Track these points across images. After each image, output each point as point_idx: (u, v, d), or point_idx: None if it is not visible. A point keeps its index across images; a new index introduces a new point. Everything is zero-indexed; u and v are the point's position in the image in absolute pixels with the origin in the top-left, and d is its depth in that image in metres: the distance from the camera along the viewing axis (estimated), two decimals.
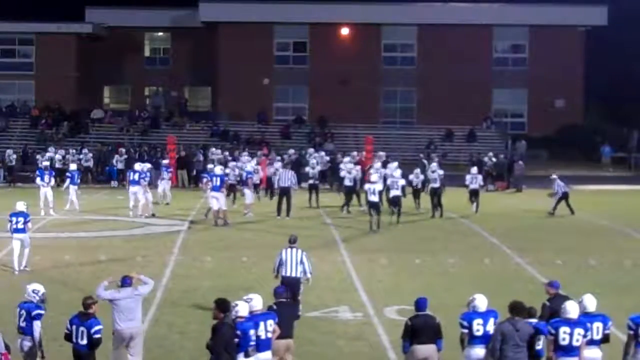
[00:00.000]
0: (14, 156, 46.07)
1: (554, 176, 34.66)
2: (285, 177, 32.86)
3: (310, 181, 35.66)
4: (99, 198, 38.91)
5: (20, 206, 23.55)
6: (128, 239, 28.01)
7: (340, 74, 59.10)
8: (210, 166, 34.67)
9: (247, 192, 33.23)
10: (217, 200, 30.47)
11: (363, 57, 59.70)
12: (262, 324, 13.16)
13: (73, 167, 36.05)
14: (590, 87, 60.45)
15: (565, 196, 33.50)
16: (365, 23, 60.08)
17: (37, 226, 29.96)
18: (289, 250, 17.63)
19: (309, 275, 17.61)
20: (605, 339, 13.19)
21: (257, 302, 13.47)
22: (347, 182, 34.15)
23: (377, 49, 60.90)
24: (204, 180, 32.20)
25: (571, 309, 12.85)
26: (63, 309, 17.82)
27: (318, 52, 60.37)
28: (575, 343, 12.68)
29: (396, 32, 61.00)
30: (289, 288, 16.90)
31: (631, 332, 12.98)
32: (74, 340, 13.21)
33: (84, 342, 13.08)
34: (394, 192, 31.11)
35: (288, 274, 17.48)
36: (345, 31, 60.68)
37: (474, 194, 34.27)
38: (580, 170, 51.29)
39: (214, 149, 44.79)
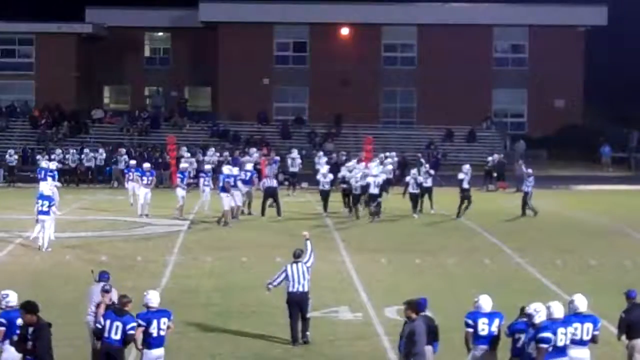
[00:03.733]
0: (15, 156, 46.01)
1: (530, 170, 34.51)
2: (272, 177, 33.22)
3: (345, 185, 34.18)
4: (99, 198, 38.89)
5: (47, 190, 25.99)
6: (128, 239, 28.01)
7: (341, 74, 59.07)
8: (207, 167, 34.81)
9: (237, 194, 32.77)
10: (221, 201, 30.63)
11: (363, 57, 59.67)
12: (155, 321, 13.38)
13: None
14: (590, 87, 60.42)
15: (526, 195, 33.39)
16: (365, 23, 60.04)
17: None
18: (294, 265, 16.74)
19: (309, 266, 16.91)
20: (593, 339, 13.16)
21: (154, 298, 13.58)
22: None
23: (377, 49, 60.86)
24: (202, 180, 32.48)
25: (556, 310, 12.82)
26: (63, 309, 17.85)
27: (318, 52, 60.34)
28: (568, 342, 12.73)
29: (396, 32, 60.97)
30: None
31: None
32: (106, 334, 13.17)
33: (117, 337, 13.11)
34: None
35: (295, 290, 16.61)
36: (345, 31, 60.66)
37: (427, 192, 34.00)
38: (580, 170, 51.31)
39: (211, 150, 44.68)
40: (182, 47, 64.16)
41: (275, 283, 16.90)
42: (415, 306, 13.17)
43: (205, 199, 33.33)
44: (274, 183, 33.07)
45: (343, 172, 34.20)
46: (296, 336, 16.54)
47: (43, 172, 33.83)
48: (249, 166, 34.49)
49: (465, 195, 32.65)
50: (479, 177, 44.14)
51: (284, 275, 16.70)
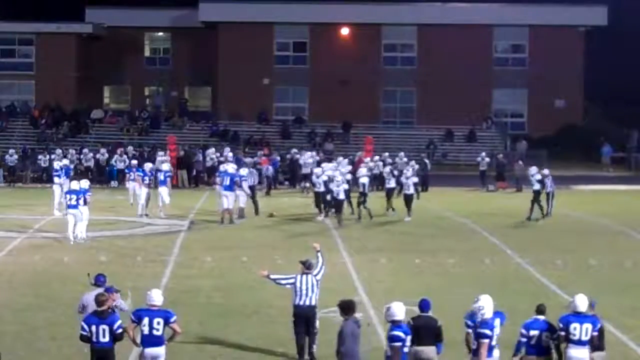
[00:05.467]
0: (16, 156, 45.97)
1: (546, 171, 34.28)
2: (250, 177, 33.20)
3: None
4: (99, 198, 38.86)
5: (75, 185, 27.28)
6: (128, 239, 28.00)
7: (340, 74, 59.09)
8: (223, 166, 34.68)
9: (241, 194, 32.64)
10: (227, 199, 30.70)
11: (363, 57, 59.69)
12: (146, 319, 13.30)
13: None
14: (590, 87, 60.45)
15: (550, 195, 33.31)
16: (365, 23, 60.07)
17: (38, 226, 30.00)
18: (303, 277, 15.70)
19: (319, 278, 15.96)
20: (591, 340, 13.15)
21: (156, 297, 13.51)
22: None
23: (377, 49, 60.89)
24: (217, 179, 32.72)
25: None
26: (63, 310, 17.86)
27: (318, 52, 60.37)
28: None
29: (396, 32, 60.99)
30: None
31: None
32: (95, 339, 13.01)
33: (106, 339, 13.00)
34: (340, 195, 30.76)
35: (302, 302, 15.62)
36: (345, 31, 60.68)
37: (388, 193, 33.51)
38: (580, 170, 51.29)
39: (211, 150, 44.71)
40: (182, 47, 64.19)
41: (277, 281, 16.07)
42: (344, 307, 13.47)
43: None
44: (251, 182, 33.20)
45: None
46: (302, 352, 15.83)
47: (64, 170, 35.17)
48: (242, 171, 34.13)
49: (536, 197, 32.72)
50: (475, 177, 44.16)
51: (291, 281, 15.76)
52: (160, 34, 65.91)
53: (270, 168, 42.24)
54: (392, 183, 33.74)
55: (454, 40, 58.83)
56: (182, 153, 45.01)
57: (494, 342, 12.92)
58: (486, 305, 12.98)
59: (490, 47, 61.01)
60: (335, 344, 13.69)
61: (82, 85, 62.12)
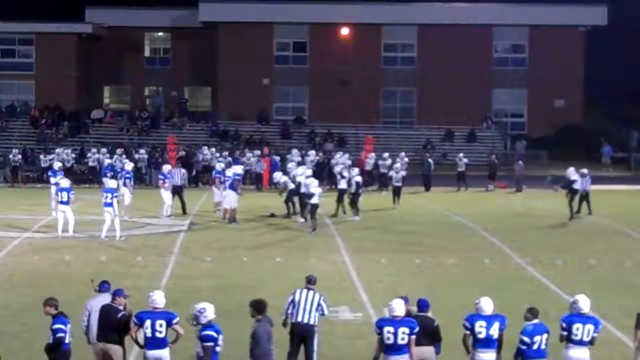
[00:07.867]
0: (19, 156, 45.84)
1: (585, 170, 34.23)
2: (178, 176, 33.23)
3: (398, 183, 35.77)
4: (99, 198, 38.78)
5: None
6: (128, 239, 27.98)
7: (340, 74, 59.10)
8: (221, 165, 34.61)
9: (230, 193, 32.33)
10: (227, 197, 30.90)
11: (363, 57, 59.70)
12: (149, 321, 13.20)
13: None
14: (590, 87, 60.46)
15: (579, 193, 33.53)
16: (365, 23, 60.09)
17: (38, 226, 29.98)
18: (304, 291, 14.38)
19: (326, 313, 14.72)
20: (592, 341, 13.12)
21: (158, 299, 13.43)
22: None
23: (377, 49, 60.90)
24: (216, 179, 32.73)
25: (397, 307, 12.93)
26: (62, 310, 17.79)
27: (318, 52, 60.38)
28: (400, 342, 12.80)
29: (396, 32, 61.02)
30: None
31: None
32: (67, 340, 13.23)
33: (69, 339, 13.30)
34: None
35: (299, 320, 14.19)
36: (345, 31, 60.69)
37: (341, 194, 32.63)
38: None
39: (205, 149, 44.76)
40: (182, 47, 64.21)
41: (284, 313, 14.66)
42: (257, 306, 13.29)
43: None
44: (180, 182, 33.43)
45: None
46: None
47: (107, 169, 36.79)
48: (237, 169, 34.07)
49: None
50: (474, 177, 44.07)
51: (290, 299, 14.46)
52: (160, 34, 65.93)
53: (262, 165, 42.36)
54: (342, 184, 32.71)
55: (454, 40, 58.84)
56: (182, 153, 44.97)
57: (389, 341, 12.80)
58: (394, 302, 12.93)
59: (490, 47, 61.04)
60: (249, 345, 13.58)
61: (82, 85, 62.14)
